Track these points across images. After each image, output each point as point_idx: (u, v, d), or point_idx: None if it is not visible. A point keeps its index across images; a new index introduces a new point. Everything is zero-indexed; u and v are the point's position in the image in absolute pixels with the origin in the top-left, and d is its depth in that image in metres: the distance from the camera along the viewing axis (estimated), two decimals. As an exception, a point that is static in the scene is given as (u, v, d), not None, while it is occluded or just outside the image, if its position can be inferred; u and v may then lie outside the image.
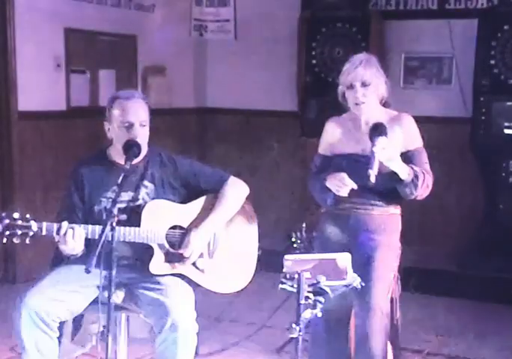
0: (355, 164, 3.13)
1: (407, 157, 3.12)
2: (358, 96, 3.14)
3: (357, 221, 3.20)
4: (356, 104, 3.17)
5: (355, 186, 3.07)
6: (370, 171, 2.90)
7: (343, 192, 3.09)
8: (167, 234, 3.11)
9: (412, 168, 3.08)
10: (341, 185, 3.08)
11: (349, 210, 3.21)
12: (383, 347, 3.11)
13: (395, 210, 3.25)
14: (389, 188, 3.13)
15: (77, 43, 5.54)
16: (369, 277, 3.05)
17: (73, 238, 2.88)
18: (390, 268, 3.17)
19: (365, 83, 3.14)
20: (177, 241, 3.15)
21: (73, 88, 5.54)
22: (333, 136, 3.30)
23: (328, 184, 3.14)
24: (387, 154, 2.98)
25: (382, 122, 3.10)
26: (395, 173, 3.06)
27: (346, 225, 3.22)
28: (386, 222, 3.22)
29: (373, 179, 2.91)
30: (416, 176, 3.07)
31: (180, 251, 3.10)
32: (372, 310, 3.05)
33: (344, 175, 3.08)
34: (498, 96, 5.30)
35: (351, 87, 3.16)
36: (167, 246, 3.10)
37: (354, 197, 3.15)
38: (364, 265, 3.06)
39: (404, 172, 3.06)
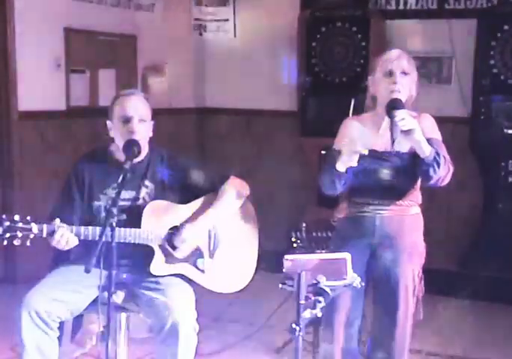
0: (373, 161, 3.02)
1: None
2: (397, 82, 3.00)
3: (382, 223, 3.08)
4: (392, 91, 3.00)
5: (365, 152, 2.93)
6: (394, 139, 2.88)
7: (354, 161, 2.96)
8: (167, 235, 3.12)
9: (433, 147, 2.95)
10: (351, 148, 2.94)
11: (372, 213, 3.09)
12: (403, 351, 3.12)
13: (417, 209, 3.15)
14: (408, 187, 3.07)
15: (77, 42, 5.54)
16: (395, 282, 3.03)
17: (67, 243, 2.92)
18: (415, 272, 3.10)
19: (406, 72, 3.02)
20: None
21: (73, 88, 5.54)
22: (351, 132, 3.14)
23: (341, 147, 3.00)
24: (407, 123, 2.88)
25: (397, 98, 2.98)
26: (417, 157, 2.95)
27: (371, 229, 3.09)
28: (410, 223, 3.13)
29: (395, 147, 2.91)
30: (438, 154, 2.92)
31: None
32: (397, 318, 3.05)
33: (353, 139, 2.98)
34: (497, 96, 5.30)
35: (389, 74, 3.02)
36: (167, 247, 3.11)
37: (375, 199, 3.07)
38: (389, 269, 3.05)
39: (426, 146, 2.91)
